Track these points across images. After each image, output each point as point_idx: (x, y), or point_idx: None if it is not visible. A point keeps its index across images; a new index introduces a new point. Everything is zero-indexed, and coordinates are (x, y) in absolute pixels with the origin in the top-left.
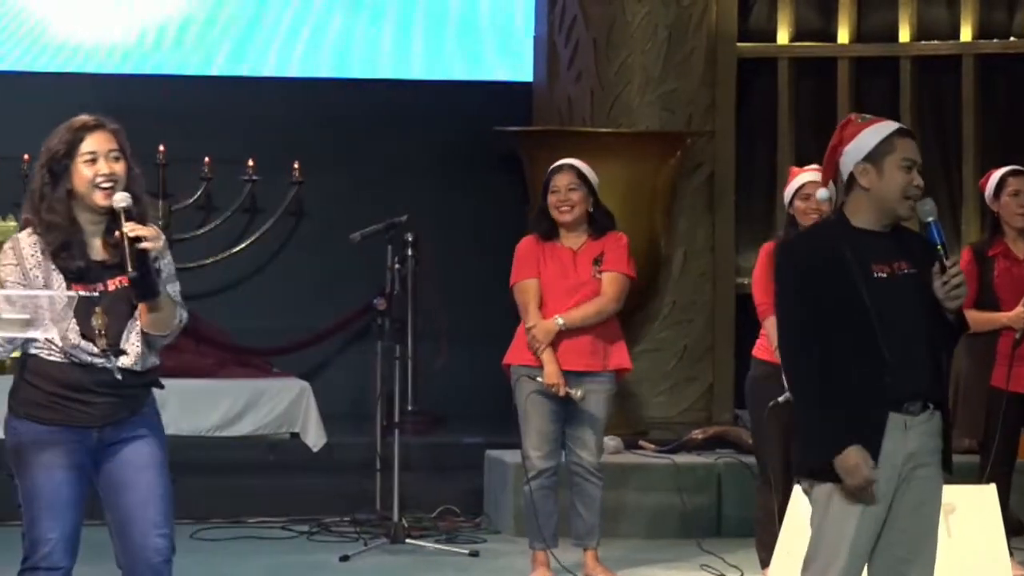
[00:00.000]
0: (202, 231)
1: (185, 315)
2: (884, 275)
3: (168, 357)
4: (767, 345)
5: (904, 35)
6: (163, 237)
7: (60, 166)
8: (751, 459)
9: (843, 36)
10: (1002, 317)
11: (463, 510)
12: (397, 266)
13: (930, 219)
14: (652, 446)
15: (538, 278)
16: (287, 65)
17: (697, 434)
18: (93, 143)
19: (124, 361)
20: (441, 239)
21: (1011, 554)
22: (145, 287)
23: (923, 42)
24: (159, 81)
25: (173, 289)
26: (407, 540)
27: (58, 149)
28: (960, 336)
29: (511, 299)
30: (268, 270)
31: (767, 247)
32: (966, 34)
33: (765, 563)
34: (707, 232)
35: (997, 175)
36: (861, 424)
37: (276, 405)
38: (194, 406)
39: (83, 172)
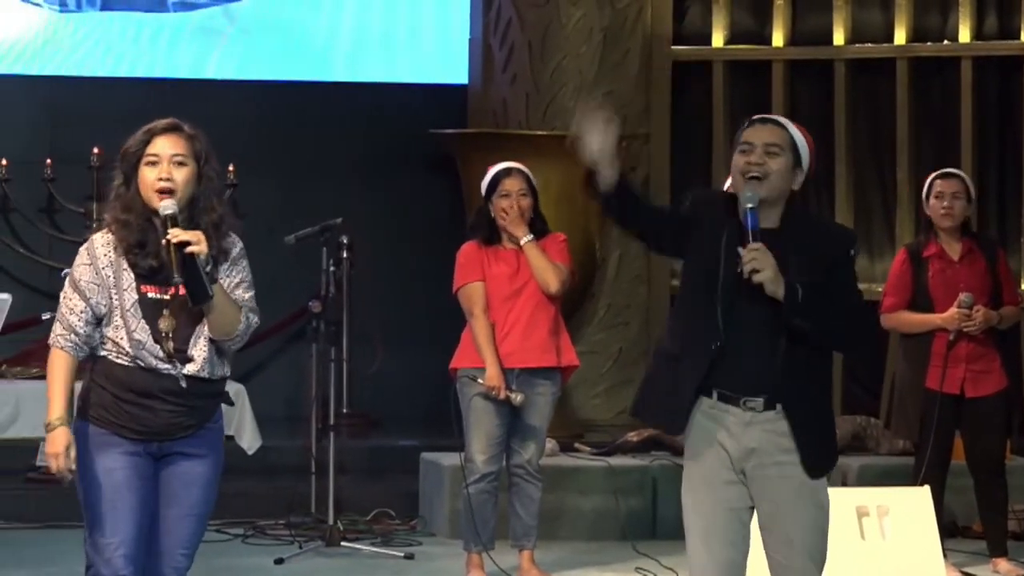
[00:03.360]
0: None
1: (255, 319)
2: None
3: None
4: None
5: (838, 38)
6: (205, 242)
7: (130, 167)
8: None
9: (778, 39)
10: (936, 318)
11: (398, 513)
12: (332, 269)
13: (748, 205)
14: (588, 448)
15: (483, 281)
16: (222, 67)
17: (632, 436)
18: (158, 146)
19: (190, 368)
20: (376, 241)
21: (945, 556)
22: (191, 292)
23: (857, 45)
24: (92, 83)
25: (246, 294)
26: (342, 543)
27: (130, 150)
28: (823, 338)
29: (448, 302)
30: None
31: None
32: (900, 37)
33: None
34: None
35: (929, 179)
36: (671, 398)
37: None
38: None
39: (145, 175)
